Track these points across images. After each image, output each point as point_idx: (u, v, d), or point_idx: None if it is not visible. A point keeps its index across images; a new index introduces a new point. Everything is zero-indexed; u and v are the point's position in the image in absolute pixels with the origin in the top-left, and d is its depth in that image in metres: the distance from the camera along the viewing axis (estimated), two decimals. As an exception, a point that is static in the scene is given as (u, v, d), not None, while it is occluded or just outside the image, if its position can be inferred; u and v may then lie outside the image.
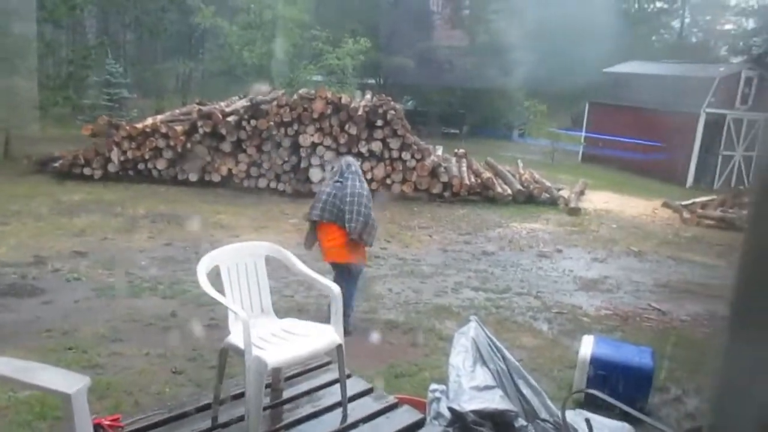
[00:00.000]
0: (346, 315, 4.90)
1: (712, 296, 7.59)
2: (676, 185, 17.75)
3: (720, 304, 7.25)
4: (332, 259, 5.38)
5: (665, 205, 13.53)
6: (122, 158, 11.04)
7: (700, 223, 12.03)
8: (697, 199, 13.74)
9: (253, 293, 3.27)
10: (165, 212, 9.36)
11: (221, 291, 3.07)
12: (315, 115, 10.96)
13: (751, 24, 24.13)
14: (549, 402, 3.38)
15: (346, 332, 5.05)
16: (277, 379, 3.34)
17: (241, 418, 3.00)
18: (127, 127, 11.24)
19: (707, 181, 18.74)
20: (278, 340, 3.09)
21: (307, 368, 3.64)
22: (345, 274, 5.31)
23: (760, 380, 0.64)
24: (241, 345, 2.82)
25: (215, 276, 3.14)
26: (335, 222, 5.22)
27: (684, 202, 13.41)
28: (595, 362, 4.30)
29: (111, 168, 11.05)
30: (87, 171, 10.99)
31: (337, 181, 5.34)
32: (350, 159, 5.68)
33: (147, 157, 11.06)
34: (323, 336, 3.13)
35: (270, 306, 3.36)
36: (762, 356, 0.64)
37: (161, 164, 11.10)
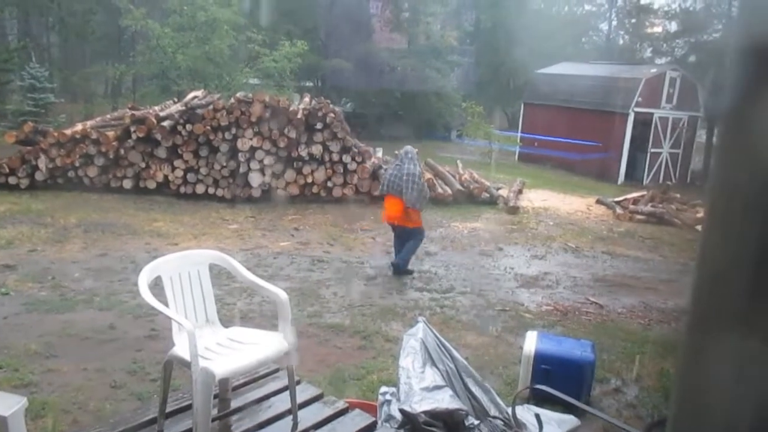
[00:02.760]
0: (405, 263, 7.42)
1: (646, 288, 7.90)
2: (608, 182, 18.39)
3: (653, 296, 7.55)
4: (391, 221, 7.39)
5: (599, 202, 14.00)
6: (50, 166, 10.57)
7: (632, 218, 12.50)
8: (629, 196, 14.27)
9: (198, 303, 3.18)
10: (98, 221, 9.02)
11: (164, 302, 2.97)
12: (253, 119, 10.80)
13: (674, 27, 25.26)
14: (498, 399, 3.43)
15: (404, 267, 7.43)
16: (224, 390, 3.26)
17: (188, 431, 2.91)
18: (55, 134, 10.77)
19: (637, 177, 19.50)
20: (225, 350, 3.02)
21: (255, 377, 3.57)
22: (405, 235, 7.40)
23: (721, 375, 0.66)
24: (187, 356, 2.74)
25: (156, 286, 3.04)
26: (396, 195, 7.12)
27: (616, 199, 13.90)
28: (539, 357, 4.39)
29: (38, 176, 10.57)
30: (12, 180, 10.47)
31: (397, 165, 7.28)
32: (408, 148, 7.54)
33: (77, 164, 10.63)
34: (272, 344, 3.08)
35: (215, 315, 3.28)
36: (722, 352, 0.66)
37: (92, 171, 10.69)
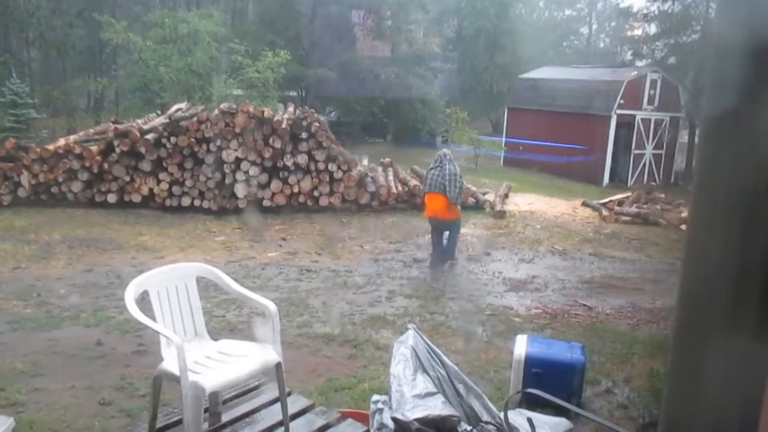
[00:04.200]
0: (451, 252, 8.49)
1: (634, 289, 7.95)
2: (593, 184, 18.52)
3: (640, 296, 7.59)
4: (434, 215, 8.25)
5: (584, 204, 14.07)
6: (33, 182, 10.47)
7: (617, 219, 12.58)
8: (614, 197, 14.36)
9: (186, 316, 3.16)
10: (83, 236, 8.94)
11: (151, 316, 2.94)
12: (237, 130, 10.77)
13: (653, 29, 25.56)
14: (490, 404, 3.43)
15: (450, 258, 8.47)
16: (215, 403, 3.23)
17: (178, 447, 2.89)
18: (38, 149, 10.68)
19: (622, 179, 19.66)
20: (215, 363, 3.00)
21: (246, 389, 3.55)
22: (445, 226, 8.35)
23: (710, 375, 0.66)
24: (176, 371, 2.71)
25: (143, 300, 3.01)
26: (438, 192, 8.02)
27: (602, 201, 13.99)
28: (530, 361, 4.39)
29: (21, 193, 10.46)
30: (-6, 197, 10.36)
31: (437, 166, 8.14)
32: (445, 150, 8.55)
33: (60, 179, 10.53)
34: (261, 355, 3.06)
35: (204, 328, 3.26)
36: (710, 353, 0.66)
37: (76, 186, 10.60)
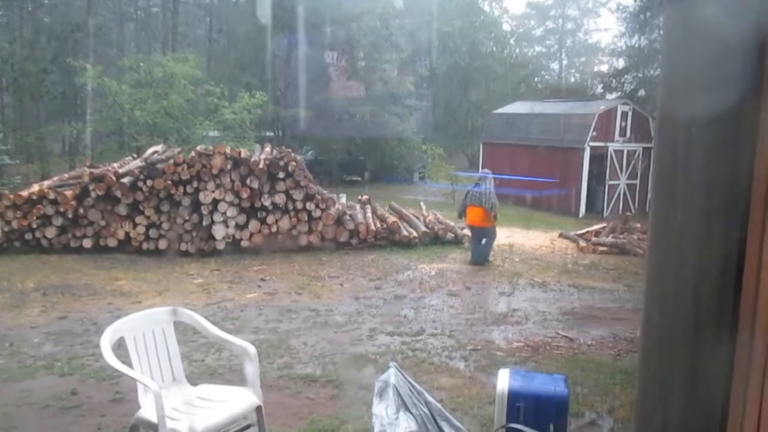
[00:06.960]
0: (486, 253, 10.90)
1: (614, 319, 7.98)
2: (569, 216, 18.74)
3: (621, 326, 7.63)
4: (475, 224, 10.71)
5: (562, 236, 14.21)
6: (6, 229, 10.31)
7: (595, 250, 12.70)
8: (590, 228, 14.51)
9: (163, 362, 3.11)
10: (58, 283, 8.78)
11: (128, 363, 2.89)
12: (214, 172, 10.76)
13: (621, 63, 26.32)
14: (474, 441, 3.40)
15: (485, 259, 10.93)
16: (194, 451, 3.16)
17: (157, 498, 2.80)
18: (11, 196, 10.55)
19: (597, 210, 19.93)
20: (194, 409, 2.94)
21: (226, 435, 3.48)
22: (483, 233, 10.77)
23: (674, 393, 0.68)
24: (154, 418, 2.66)
25: (119, 347, 2.96)
26: (478, 205, 10.52)
27: (579, 232, 14.13)
28: (513, 395, 4.36)
29: (-6, 240, 10.30)
30: (-34, 245, 10.17)
31: (477, 184, 10.74)
32: (486, 171, 11.32)
33: (34, 225, 10.39)
34: (241, 399, 3.01)
35: (182, 374, 3.20)
36: (674, 372, 0.68)
37: (50, 232, 10.46)
